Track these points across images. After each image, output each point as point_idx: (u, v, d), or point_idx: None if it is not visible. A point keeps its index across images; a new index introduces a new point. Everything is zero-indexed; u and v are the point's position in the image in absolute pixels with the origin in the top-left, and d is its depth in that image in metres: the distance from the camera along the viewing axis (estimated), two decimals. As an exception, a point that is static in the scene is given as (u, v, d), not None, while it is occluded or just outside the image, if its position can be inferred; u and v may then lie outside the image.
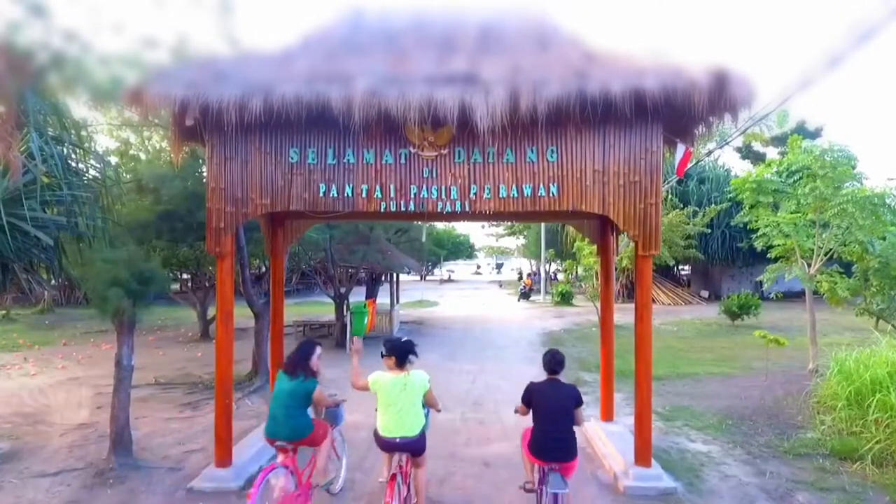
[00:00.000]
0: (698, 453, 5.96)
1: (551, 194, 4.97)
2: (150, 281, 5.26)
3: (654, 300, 21.78)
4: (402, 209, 5.07)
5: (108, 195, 6.76)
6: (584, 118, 4.68)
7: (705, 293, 26.07)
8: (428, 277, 49.61)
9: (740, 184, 10.22)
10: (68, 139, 6.28)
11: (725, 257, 23.91)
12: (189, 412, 7.67)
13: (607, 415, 6.58)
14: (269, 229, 6.51)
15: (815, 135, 31.51)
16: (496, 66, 4.87)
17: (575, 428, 3.97)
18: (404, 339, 4.28)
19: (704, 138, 5.67)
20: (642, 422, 5.09)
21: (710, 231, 20.79)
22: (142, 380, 9.71)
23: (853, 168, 9.95)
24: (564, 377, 4.20)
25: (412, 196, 5.00)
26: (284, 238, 6.67)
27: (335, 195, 5.02)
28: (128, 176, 10.02)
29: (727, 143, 14.49)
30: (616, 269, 19.26)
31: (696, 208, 20.53)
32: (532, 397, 4.06)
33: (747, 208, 10.32)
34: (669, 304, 23.29)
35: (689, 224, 18.83)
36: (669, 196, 20.06)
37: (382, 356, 4.19)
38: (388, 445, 4.05)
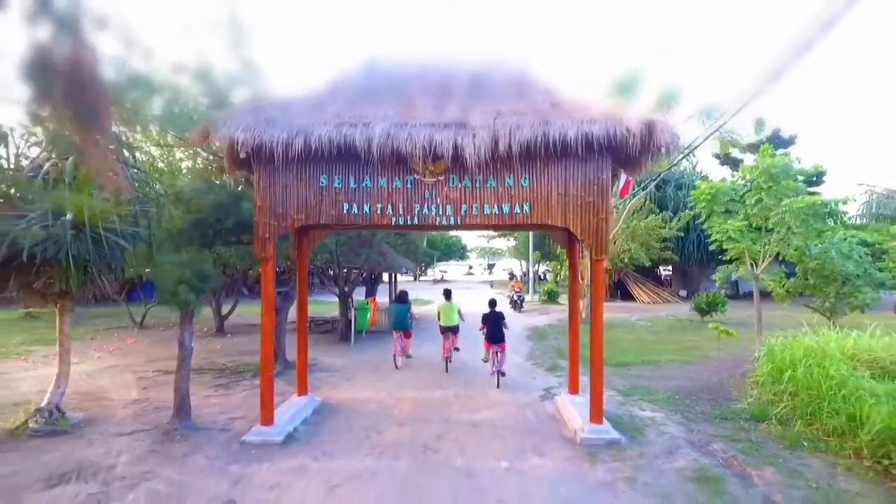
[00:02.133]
0: (645, 418, 7.40)
1: (524, 212, 6.38)
2: (208, 279, 6.62)
3: (634, 299, 23.39)
4: (409, 223, 6.47)
5: (158, 207, 8.09)
6: (549, 154, 6.10)
7: (683, 292, 27.62)
8: (422, 278, 50.87)
9: (698, 195, 11.69)
10: (131, 161, 7.61)
11: (701, 258, 25.44)
12: (223, 391, 9.00)
13: (573, 389, 8.00)
14: (295, 238, 7.87)
15: (789, 142, 33.23)
16: (483, 111, 6.29)
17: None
18: (448, 287, 11.60)
19: (646, 168, 7.05)
20: (596, 387, 6.52)
21: (684, 234, 22.31)
22: (175, 366, 11.05)
23: (799, 181, 11.42)
24: (498, 307, 9.80)
25: (416, 213, 6.40)
26: (308, 245, 8.05)
27: (356, 212, 6.40)
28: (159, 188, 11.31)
29: (690, 152, 15.90)
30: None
31: (674, 213, 22.07)
32: (487, 319, 9.52)
33: (704, 216, 11.79)
34: (649, 303, 24.82)
35: (664, 228, 20.35)
36: (647, 202, 21.54)
37: (444, 294, 11.13)
38: (445, 329, 10.59)
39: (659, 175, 15.69)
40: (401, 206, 6.40)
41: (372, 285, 17.87)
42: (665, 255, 21.25)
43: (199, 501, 4.92)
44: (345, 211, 6.40)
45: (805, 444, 6.26)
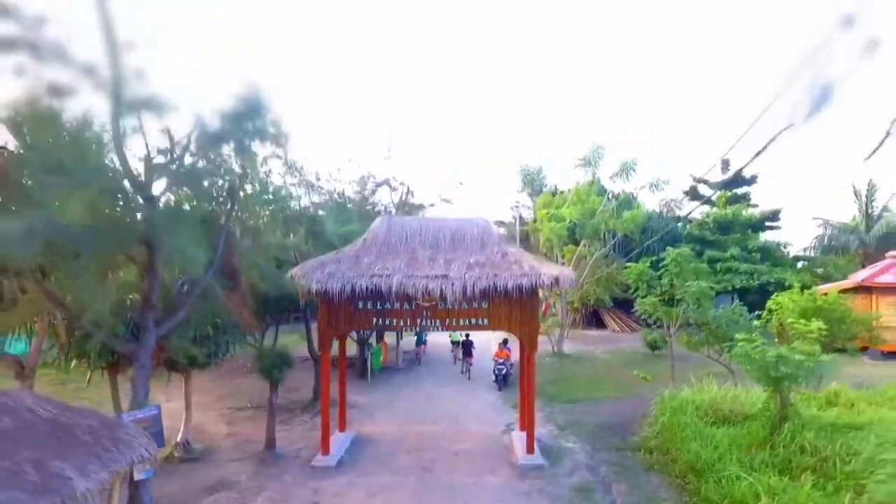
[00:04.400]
0: (567, 448, 11.34)
1: (485, 323, 10.40)
2: (288, 361, 10.62)
3: (605, 326, 27.47)
4: (412, 329, 10.50)
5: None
6: (498, 292, 10.08)
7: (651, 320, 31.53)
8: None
9: (629, 273, 15.68)
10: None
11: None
12: (285, 427, 12.95)
13: (523, 426, 11.94)
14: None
15: (751, 181, 37.27)
16: (459, 261, 10.29)
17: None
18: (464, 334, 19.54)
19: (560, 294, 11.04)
20: (529, 429, 10.48)
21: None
22: (239, 403, 15.08)
23: (700, 264, 15.41)
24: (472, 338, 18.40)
25: (418, 323, 10.41)
26: (347, 332, 12.04)
27: (380, 323, 10.41)
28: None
29: (662, 231, 19.96)
30: (571, 306, 24.70)
31: (638, 257, 26.00)
32: (463, 344, 19.36)
33: (633, 289, 15.77)
34: (618, 331, 28.75)
35: (621, 274, 24.34)
36: (610, 251, 25.53)
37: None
38: (454, 343, 21.51)
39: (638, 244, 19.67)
40: (408, 319, 10.40)
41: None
42: (628, 295, 25.13)
43: (298, 502, 8.89)
44: (373, 323, 10.42)
45: (656, 467, 10.20)
